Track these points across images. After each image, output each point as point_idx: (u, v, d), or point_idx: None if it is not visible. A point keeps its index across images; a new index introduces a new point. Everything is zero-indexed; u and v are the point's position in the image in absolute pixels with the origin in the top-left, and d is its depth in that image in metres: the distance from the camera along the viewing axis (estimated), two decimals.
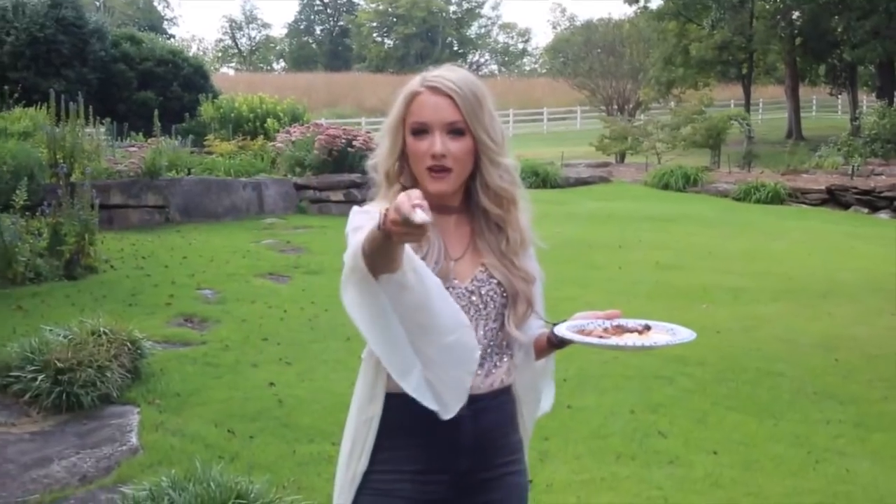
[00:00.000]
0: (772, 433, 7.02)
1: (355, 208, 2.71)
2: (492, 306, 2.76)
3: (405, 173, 2.78)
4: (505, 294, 2.77)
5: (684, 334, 2.66)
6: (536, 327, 2.88)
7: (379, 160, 2.82)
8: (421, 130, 2.67)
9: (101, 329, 7.37)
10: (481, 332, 2.73)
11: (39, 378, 6.78)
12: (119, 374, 7.14)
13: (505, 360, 2.81)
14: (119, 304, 9.83)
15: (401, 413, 2.68)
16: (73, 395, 6.75)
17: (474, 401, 2.69)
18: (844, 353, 9.27)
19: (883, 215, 23.44)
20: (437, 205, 2.64)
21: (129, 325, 7.80)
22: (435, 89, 2.67)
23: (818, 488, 6.01)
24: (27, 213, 11.22)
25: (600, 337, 2.66)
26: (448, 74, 2.70)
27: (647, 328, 2.69)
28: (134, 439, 6.40)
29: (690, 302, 11.63)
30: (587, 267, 13.97)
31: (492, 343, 2.77)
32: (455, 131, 2.66)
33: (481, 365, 2.71)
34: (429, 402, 2.56)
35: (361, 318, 2.52)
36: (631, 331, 2.67)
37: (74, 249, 11.06)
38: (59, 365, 6.79)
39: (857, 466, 6.43)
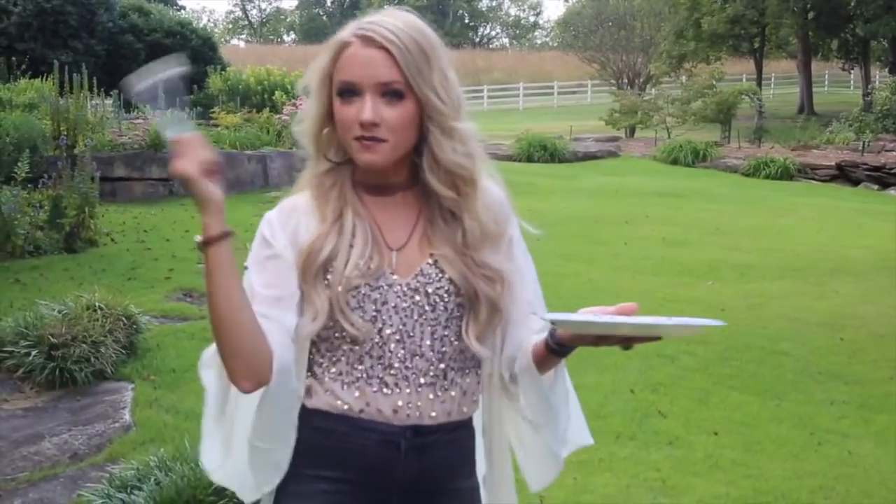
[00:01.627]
0: (774, 414, 6.93)
1: (262, 224, 2.29)
2: (441, 309, 2.22)
3: (335, 144, 2.28)
4: (461, 294, 2.23)
5: (704, 321, 2.07)
6: (537, 331, 2.31)
7: (305, 126, 2.30)
8: (348, 91, 2.15)
9: (97, 304, 7.28)
10: (427, 342, 2.21)
11: (33, 353, 6.72)
12: (114, 350, 7.06)
13: (466, 380, 2.28)
14: (118, 277, 9.77)
15: (325, 436, 2.25)
16: (67, 371, 6.68)
17: (419, 433, 2.21)
18: (851, 333, 9.17)
19: (893, 192, 23.26)
20: (375, 183, 2.27)
21: (126, 300, 7.71)
22: (367, 40, 2.13)
23: (820, 470, 5.92)
24: (29, 186, 11.18)
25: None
26: (386, 20, 2.16)
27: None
28: (127, 416, 6.33)
29: (696, 279, 11.53)
30: (593, 242, 13.88)
31: (444, 356, 2.23)
32: (392, 93, 2.13)
33: (430, 385, 2.22)
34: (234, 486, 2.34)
35: (213, 394, 2.26)
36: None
37: (74, 222, 10.99)
38: (52, 340, 6.72)
39: (860, 448, 6.34)
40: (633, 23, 52.90)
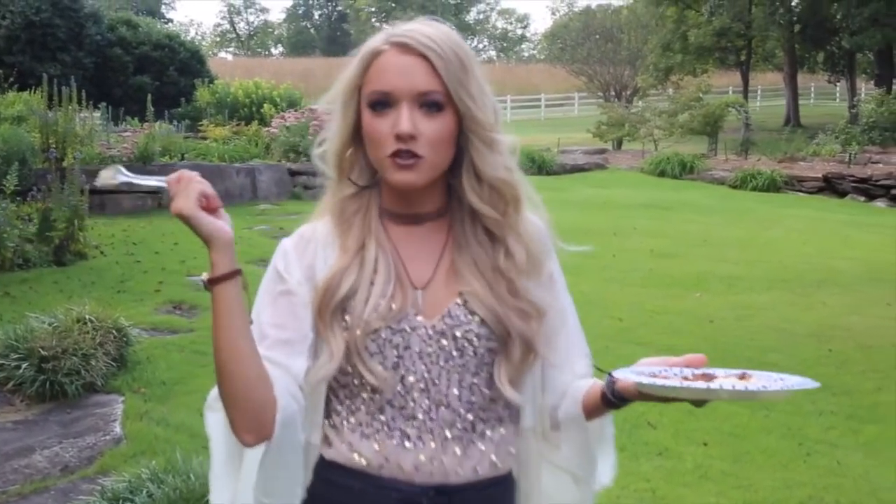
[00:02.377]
0: (763, 424, 6.96)
1: (277, 252, 2.10)
2: (471, 354, 1.99)
3: (359, 165, 2.06)
4: (492, 337, 1.99)
5: (797, 380, 1.84)
6: (581, 375, 2.12)
7: (328, 146, 2.08)
8: (381, 103, 1.93)
9: (87, 316, 7.29)
10: (454, 391, 1.99)
11: (23, 366, 6.73)
12: (104, 363, 7.07)
13: (499, 432, 2.05)
14: (107, 290, 9.77)
15: (341, 492, 2.05)
16: (58, 384, 6.69)
17: (443, 493, 1.99)
18: (838, 344, 9.20)
19: (879, 203, 23.35)
20: (403, 212, 2.06)
21: (116, 313, 7.73)
22: (403, 47, 1.93)
23: (809, 481, 5.95)
24: (18, 199, 11.17)
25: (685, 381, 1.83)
26: (421, 28, 1.96)
27: (744, 377, 1.86)
28: (117, 429, 6.34)
29: (684, 290, 11.57)
30: (581, 255, 13.86)
31: (473, 407, 2.01)
32: (430, 104, 1.92)
33: (457, 439, 1.99)
34: None
35: (217, 443, 2.05)
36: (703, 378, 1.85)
37: (64, 235, 10.99)
38: (43, 353, 6.73)
39: (849, 459, 6.37)
40: (620, 35, 53.06)
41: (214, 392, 1.97)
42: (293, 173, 18.70)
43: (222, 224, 1.88)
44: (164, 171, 15.95)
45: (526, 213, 2.09)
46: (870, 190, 24.01)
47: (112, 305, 8.11)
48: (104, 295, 9.25)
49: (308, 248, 2.07)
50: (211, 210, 1.87)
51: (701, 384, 1.79)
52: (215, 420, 2.02)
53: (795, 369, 7.92)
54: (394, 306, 1.97)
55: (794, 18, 49.40)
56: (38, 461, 5.81)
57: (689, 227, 17.41)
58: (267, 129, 21.51)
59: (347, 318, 1.97)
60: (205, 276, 1.89)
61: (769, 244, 15.74)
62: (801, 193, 24.91)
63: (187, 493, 4.47)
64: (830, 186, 24.92)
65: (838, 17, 46.04)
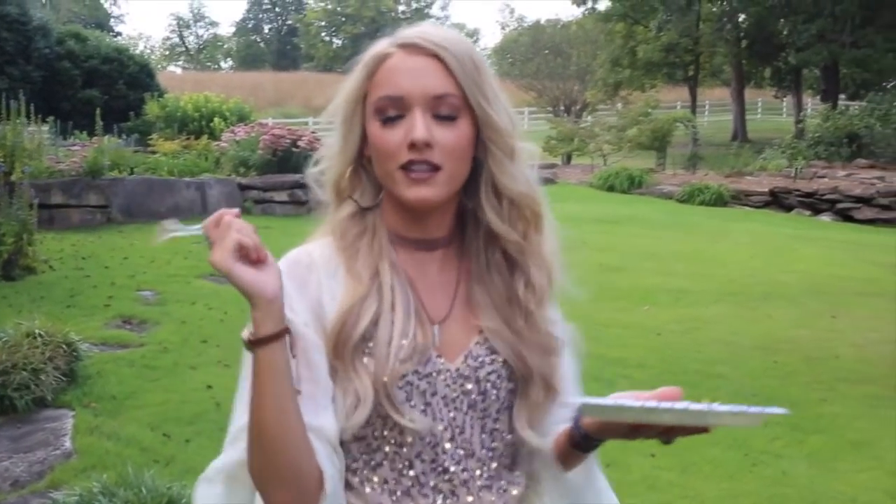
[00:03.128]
0: (709, 436, 6.88)
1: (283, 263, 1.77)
2: (493, 397, 1.82)
3: (363, 184, 1.87)
4: (513, 378, 1.83)
5: (769, 409, 1.74)
6: (562, 421, 1.91)
7: (327, 165, 1.89)
8: (390, 112, 1.75)
9: (37, 331, 7.25)
10: (477, 438, 1.82)
11: None
12: (54, 377, 7.03)
13: (517, 486, 1.89)
14: (57, 305, 9.72)
15: None
16: (7, 399, 6.65)
17: None
18: (784, 356, 9.33)
19: (825, 217, 23.62)
20: (414, 237, 1.85)
21: (66, 327, 7.70)
22: (413, 47, 1.77)
23: (754, 490, 6.05)
24: None
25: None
26: (431, 30, 1.81)
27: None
28: (68, 443, 6.31)
29: (632, 304, 11.67)
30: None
31: (496, 454, 1.85)
32: (444, 114, 1.75)
33: (487, 490, 1.83)
34: None
35: None
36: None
37: (12, 250, 10.91)
38: None
39: (794, 469, 6.48)
40: (569, 51, 53.28)
41: (218, 464, 1.78)
42: (243, 188, 18.66)
43: (265, 279, 1.61)
44: (112, 185, 15.94)
45: (547, 232, 1.92)
46: (815, 204, 24.28)
47: (62, 320, 8.08)
48: (53, 309, 9.21)
49: (309, 278, 1.81)
50: (256, 261, 1.62)
51: (647, 404, 1.68)
52: (214, 494, 1.77)
53: (742, 381, 8.10)
54: (417, 345, 1.76)
55: (742, 34, 50.04)
56: None
57: (637, 242, 17.52)
58: (217, 143, 21.43)
59: (366, 360, 1.74)
60: (246, 333, 1.64)
61: (716, 258, 15.88)
62: (747, 208, 25.12)
63: None
64: (777, 201, 25.18)
65: (785, 33, 46.65)
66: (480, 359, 1.81)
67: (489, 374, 1.81)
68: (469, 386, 1.79)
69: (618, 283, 12.97)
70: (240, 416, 1.75)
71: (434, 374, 1.77)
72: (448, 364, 1.79)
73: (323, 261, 1.83)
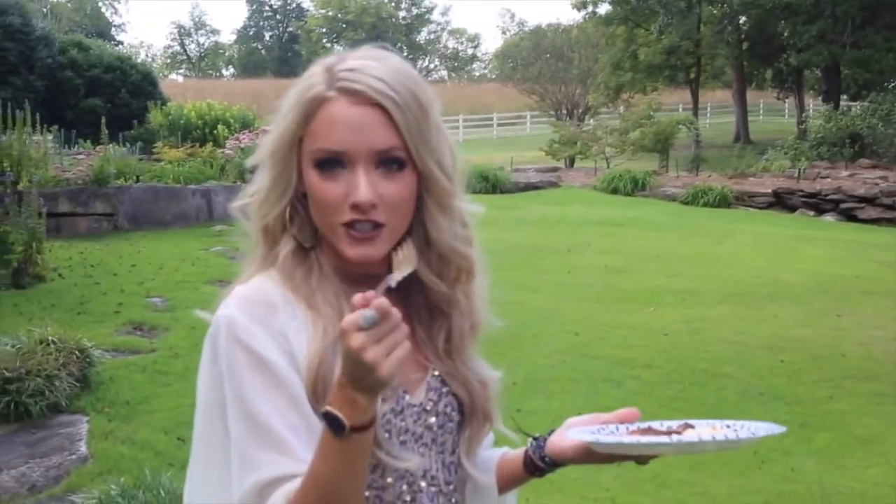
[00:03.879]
0: None
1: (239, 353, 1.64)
2: (449, 430, 1.79)
3: (298, 224, 1.75)
4: (461, 410, 1.81)
5: (760, 428, 1.68)
6: (486, 447, 1.92)
7: (253, 204, 1.78)
8: (331, 162, 1.64)
9: (50, 338, 7.32)
10: (441, 475, 1.79)
11: None
12: (68, 383, 7.10)
13: None
14: (67, 312, 9.78)
15: None
16: (22, 405, 6.72)
17: None
18: (790, 355, 9.38)
19: (828, 217, 23.69)
20: (356, 273, 1.72)
21: (78, 334, 7.77)
22: (354, 94, 1.64)
23: (764, 487, 6.11)
24: None
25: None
26: (371, 67, 1.66)
27: (686, 427, 1.70)
28: (83, 448, 6.38)
29: (638, 305, 11.72)
30: (536, 271, 14.02)
31: (456, 488, 1.83)
32: (389, 161, 1.65)
33: None
34: None
35: None
36: (665, 433, 1.67)
37: (22, 258, 10.97)
38: (7, 374, 6.76)
39: (803, 465, 6.54)
40: (570, 54, 53.42)
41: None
42: None
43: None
44: (119, 193, 16.00)
45: (477, 282, 1.84)
46: (819, 204, 24.34)
47: (73, 327, 8.13)
48: (64, 317, 9.26)
49: (274, 318, 1.68)
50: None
51: (647, 440, 1.63)
52: None
53: (749, 380, 8.16)
54: (393, 385, 1.61)
55: (743, 36, 50.03)
56: (6, 481, 5.86)
57: (642, 244, 17.57)
58: (222, 150, 21.52)
59: None
60: (346, 421, 1.46)
61: (721, 259, 15.93)
62: (751, 209, 25.18)
63: None
64: (780, 201, 25.24)
65: (785, 34, 46.62)
66: (438, 391, 1.77)
67: (446, 406, 1.78)
68: (431, 419, 1.75)
69: (623, 285, 13.03)
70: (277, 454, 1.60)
71: (403, 411, 1.71)
72: (412, 399, 1.73)
73: (280, 300, 1.70)
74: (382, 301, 1.41)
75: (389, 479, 1.68)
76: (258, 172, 1.76)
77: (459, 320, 1.80)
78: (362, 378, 1.42)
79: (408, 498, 1.70)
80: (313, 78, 1.68)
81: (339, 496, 1.51)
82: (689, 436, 1.64)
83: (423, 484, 1.73)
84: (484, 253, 1.86)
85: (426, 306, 1.81)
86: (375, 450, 1.61)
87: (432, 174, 1.69)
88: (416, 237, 1.73)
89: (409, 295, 1.79)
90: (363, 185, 1.61)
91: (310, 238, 1.75)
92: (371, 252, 1.66)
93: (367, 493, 1.64)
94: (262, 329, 1.64)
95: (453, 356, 1.80)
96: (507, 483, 1.89)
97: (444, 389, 1.77)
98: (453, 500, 1.79)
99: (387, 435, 1.66)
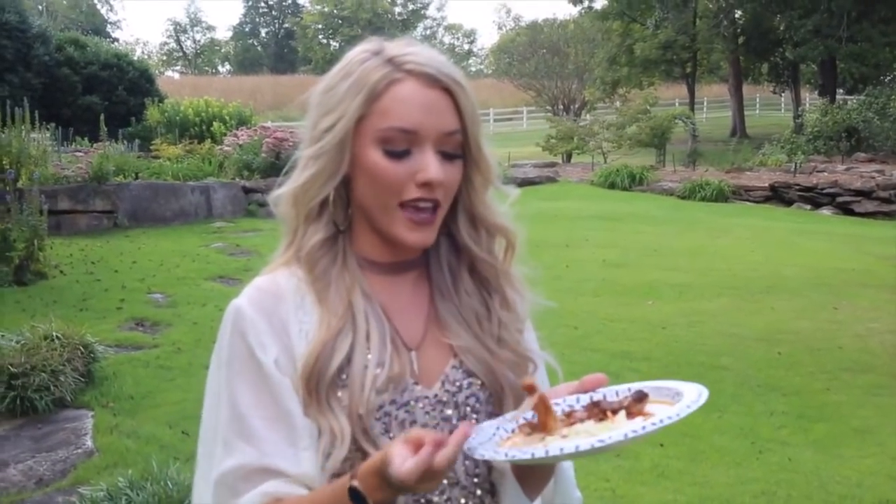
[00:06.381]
0: (717, 425, 7.17)
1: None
2: (474, 422, 1.72)
3: (339, 210, 1.79)
4: (490, 400, 1.78)
5: (679, 407, 1.50)
6: None
7: (296, 190, 1.78)
8: (399, 145, 1.68)
9: (54, 333, 7.40)
10: (461, 468, 1.76)
11: None
12: (72, 378, 7.18)
13: (497, 502, 1.79)
14: (70, 309, 9.85)
15: None
16: (28, 400, 6.80)
17: None
18: (787, 347, 9.44)
19: (825, 211, 23.72)
20: (387, 261, 1.80)
21: (82, 330, 7.84)
22: (429, 79, 1.70)
23: (761, 477, 6.18)
24: None
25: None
26: (433, 55, 1.74)
27: (640, 398, 1.58)
28: (89, 442, 6.46)
29: (636, 298, 11.79)
30: (535, 266, 14.04)
31: (480, 479, 1.79)
32: (451, 146, 1.71)
33: None
34: None
35: None
36: (613, 409, 1.56)
37: (24, 255, 11.05)
38: (12, 370, 6.83)
39: (800, 455, 6.60)
40: (566, 50, 53.42)
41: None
42: (247, 191, 18.82)
43: None
44: (118, 190, 16.05)
45: (517, 263, 1.91)
46: (815, 198, 24.38)
47: (75, 323, 8.18)
48: (67, 313, 9.32)
49: (278, 309, 1.74)
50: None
51: (540, 451, 1.46)
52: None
53: (747, 372, 8.23)
54: (393, 374, 1.70)
55: (738, 31, 50.09)
56: (13, 475, 5.93)
57: (639, 238, 17.61)
58: (220, 147, 21.60)
59: (341, 393, 1.68)
60: (369, 499, 1.52)
61: (718, 253, 15.98)
62: (748, 203, 25.21)
63: (166, 499, 4.62)
64: (777, 195, 25.28)
65: (781, 28, 46.75)
66: (458, 383, 1.76)
67: (468, 398, 1.76)
68: (448, 412, 1.74)
69: (621, 279, 13.09)
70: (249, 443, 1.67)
71: (412, 402, 1.71)
72: (426, 390, 1.73)
73: (290, 291, 1.75)
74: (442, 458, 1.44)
75: None
76: (302, 160, 1.79)
77: (512, 293, 1.86)
78: (411, 486, 1.46)
79: None
80: (367, 63, 1.72)
81: None
82: (554, 446, 1.48)
83: None
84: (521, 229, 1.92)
85: (465, 287, 1.84)
86: (363, 441, 1.65)
87: (483, 155, 1.76)
88: (462, 217, 1.81)
89: (443, 276, 1.84)
90: (434, 163, 1.67)
91: (342, 221, 1.79)
92: (428, 237, 1.72)
93: None
94: (264, 320, 1.70)
95: (500, 329, 1.82)
96: (527, 483, 1.78)
97: (467, 381, 1.77)
98: (477, 493, 1.76)
99: (381, 426, 1.68)
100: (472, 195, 1.80)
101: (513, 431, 1.61)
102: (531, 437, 1.56)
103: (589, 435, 1.50)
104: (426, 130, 1.67)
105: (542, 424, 1.57)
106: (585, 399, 1.62)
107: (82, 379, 7.38)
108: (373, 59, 1.72)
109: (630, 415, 1.54)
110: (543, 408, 1.58)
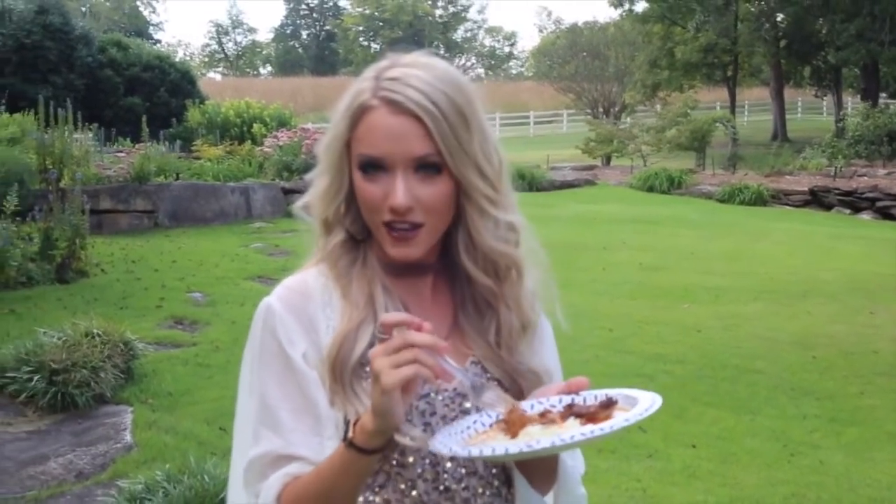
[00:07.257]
0: (749, 428, 7.21)
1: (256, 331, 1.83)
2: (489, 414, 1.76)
3: (351, 218, 1.86)
4: (507, 393, 1.77)
5: (632, 414, 1.58)
6: None
7: (312, 199, 1.88)
8: (373, 166, 1.74)
9: (95, 331, 7.52)
10: (480, 461, 1.81)
11: (35, 379, 6.95)
12: (112, 375, 7.30)
13: (513, 493, 1.86)
14: (110, 307, 9.97)
15: None
16: (68, 395, 6.92)
17: None
18: (822, 351, 9.45)
19: (864, 216, 23.63)
20: (402, 265, 1.83)
21: (122, 327, 7.96)
22: (394, 105, 1.72)
23: (792, 479, 6.21)
24: (17, 219, 11.35)
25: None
26: (413, 77, 1.73)
27: (607, 405, 1.63)
28: (128, 437, 6.56)
29: (672, 301, 11.81)
30: (571, 269, 14.09)
31: (498, 471, 1.85)
32: (427, 167, 1.73)
33: None
34: None
35: None
36: (581, 413, 1.61)
37: (66, 254, 11.21)
38: (53, 366, 6.96)
39: (831, 459, 6.63)
40: (607, 52, 53.27)
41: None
42: (287, 192, 18.91)
43: (402, 411, 1.61)
44: (159, 190, 16.23)
45: (526, 280, 1.91)
46: (855, 203, 24.29)
47: (116, 321, 8.30)
48: (107, 311, 9.44)
49: (306, 306, 1.82)
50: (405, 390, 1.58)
51: (515, 448, 1.54)
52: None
53: (780, 375, 8.26)
54: None
55: (780, 34, 49.79)
56: (53, 468, 6.05)
57: (677, 241, 17.62)
58: (260, 148, 21.75)
59: (365, 383, 1.72)
60: (359, 442, 1.62)
61: (756, 257, 15.97)
62: (787, 207, 25.14)
63: (202, 493, 4.70)
64: (816, 200, 25.19)
65: (823, 32, 46.46)
66: (478, 378, 1.77)
67: None
68: (467, 405, 1.78)
69: (658, 282, 13.12)
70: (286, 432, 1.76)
71: (433, 394, 1.77)
72: (446, 385, 1.77)
73: (318, 289, 1.83)
74: (389, 317, 1.59)
75: (410, 458, 1.76)
76: (318, 171, 1.86)
77: (507, 315, 1.87)
78: (374, 391, 1.56)
79: (428, 476, 1.76)
80: (363, 84, 1.77)
81: (329, 499, 1.69)
82: (487, 447, 1.57)
83: (449, 465, 1.77)
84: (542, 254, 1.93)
85: (473, 300, 1.88)
86: None
87: (470, 182, 1.76)
88: (461, 236, 1.82)
89: (458, 288, 1.89)
90: (400, 190, 1.70)
91: (360, 231, 1.85)
92: (410, 251, 1.76)
93: (388, 470, 1.76)
94: (293, 317, 1.79)
95: (502, 350, 1.86)
96: (532, 477, 1.84)
97: (485, 377, 1.81)
98: (495, 483, 1.82)
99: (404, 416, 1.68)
100: (468, 218, 1.81)
101: (490, 426, 1.68)
102: (496, 435, 1.63)
103: (530, 438, 1.56)
104: (392, 158, 1.71)
105: (507, 424, 1.64)
106: (568, 400, 1.67)
107: (122, 375, 7.50)
108: (368, 81, 1.77)
109: (591, 420, 1.59)
110: (513, 410, 1.66)
